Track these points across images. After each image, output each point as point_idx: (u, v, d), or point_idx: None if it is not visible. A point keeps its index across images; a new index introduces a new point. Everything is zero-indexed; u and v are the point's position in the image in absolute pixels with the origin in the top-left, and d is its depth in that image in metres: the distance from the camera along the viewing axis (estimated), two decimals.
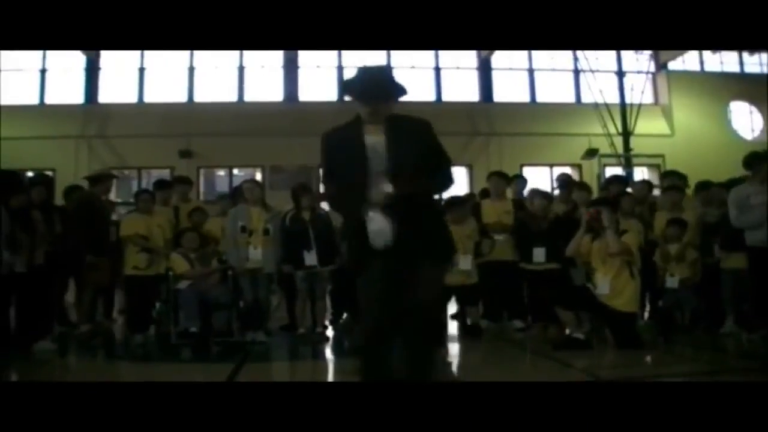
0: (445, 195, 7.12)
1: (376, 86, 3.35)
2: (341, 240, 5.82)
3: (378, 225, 3.18)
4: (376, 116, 3.35)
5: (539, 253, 7.24)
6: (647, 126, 17.17)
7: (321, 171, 3.59)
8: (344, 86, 3.52)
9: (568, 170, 15.83)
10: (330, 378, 5.60)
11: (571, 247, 6.48)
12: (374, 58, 17.35)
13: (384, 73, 3.46)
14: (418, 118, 3.46)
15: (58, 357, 6.38)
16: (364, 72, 3.44)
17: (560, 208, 7.84)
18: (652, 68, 18.36)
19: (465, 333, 7.24)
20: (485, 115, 17.69)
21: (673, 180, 8.08)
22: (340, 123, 3.49)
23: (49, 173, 12.36)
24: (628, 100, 17.33)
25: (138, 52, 17.19)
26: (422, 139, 3.39)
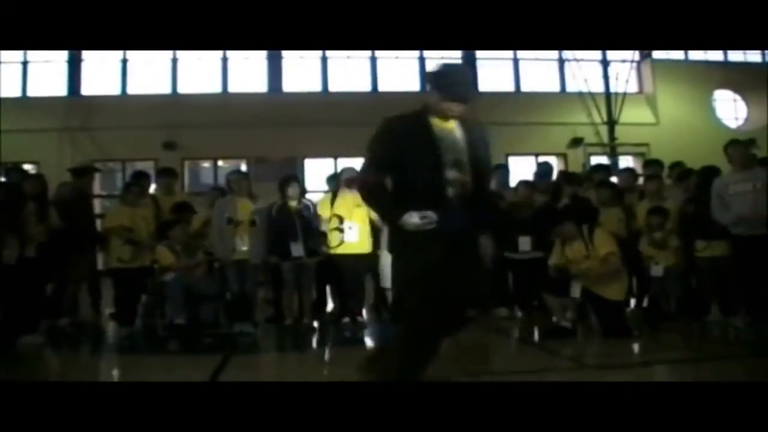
0: None
1: (471, 87, 3.37)
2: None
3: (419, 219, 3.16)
4: (457, 114, 3.35)
5: (525, 242, 7.27)
6: (632, 115, 17.24)
7: (370, 156, 3.42)
8: (436, 83, 3.40)
9: (552, 159, 15.91)
10: (320, 370, 5.63)
11: (552, 260, 6.47)
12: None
13: (471, 74, 3.50)
14: (479, 121, 3.54)
15: (42, 351, 6.31)
16: (457, 71, 3.45)
17: (542, 197, 7.85)
18: (637, 57, 18.33)
19: None
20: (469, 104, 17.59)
21: (653, 169, 8.16)
22: (405, 112, 3.48)
23: (32, 167, 12.18)
24: (612, 89, 17.40)
25: None
26: (486, 140, 3.50)
